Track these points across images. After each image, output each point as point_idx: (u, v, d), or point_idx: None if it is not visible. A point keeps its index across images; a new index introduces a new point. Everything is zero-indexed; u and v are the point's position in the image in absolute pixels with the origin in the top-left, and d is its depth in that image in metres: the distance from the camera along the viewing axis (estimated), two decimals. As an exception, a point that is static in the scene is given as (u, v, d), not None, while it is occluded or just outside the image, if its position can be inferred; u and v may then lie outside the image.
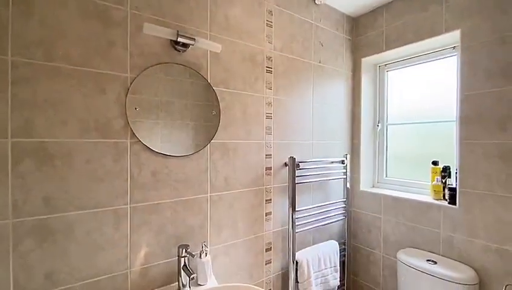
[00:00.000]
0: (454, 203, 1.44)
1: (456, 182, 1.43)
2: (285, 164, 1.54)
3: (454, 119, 1.44)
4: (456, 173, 1.43)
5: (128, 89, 1.01)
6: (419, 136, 1.78)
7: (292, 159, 1.47)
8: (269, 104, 1.45)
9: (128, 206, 1.03)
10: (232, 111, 1.31)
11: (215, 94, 1.23)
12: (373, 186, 1.98)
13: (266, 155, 1.46)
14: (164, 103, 1.09)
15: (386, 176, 1.96)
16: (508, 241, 1.26)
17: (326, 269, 1.57)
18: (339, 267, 1.65)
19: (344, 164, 1.77)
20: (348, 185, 1.81)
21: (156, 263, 1.10)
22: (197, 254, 1.15)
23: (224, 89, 1.27)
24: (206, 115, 1.20)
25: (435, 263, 1.41)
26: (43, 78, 0.87)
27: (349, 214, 1.83)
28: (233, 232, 1.33)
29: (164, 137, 1.09)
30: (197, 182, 1.20)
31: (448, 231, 1.45)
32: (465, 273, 1.31)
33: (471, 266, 1.36)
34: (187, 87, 1.15)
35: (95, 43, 0.95)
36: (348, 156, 1.79)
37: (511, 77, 1.25)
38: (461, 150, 1.40)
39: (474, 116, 1.35)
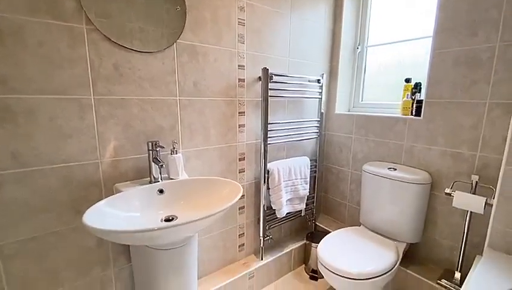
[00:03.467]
0: (419, 115, 1.50)
1: (425, 95, 1.47)
2: (259, 78, 1.53)
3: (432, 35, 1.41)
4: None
5: (78, -34, 0.92)
6: (399, 56, 1.77)
7: (265, 69, 1.45)
8: (241, 8, 1.38)
9: (92, 97, 1.02)
10: (199, 11, 1.23)
11: (180, -13, 1.14)
12: (348, 111, 2.02)
13: (239, 66, 1.43)
14: (121, -12, 1.01)
15: (362, 100, 1.99)
16: (462, 144, 1.35)
17: (296, 179, 1.67)
18: (309, 180, 1.76)
19: (320, 83, 1.77)
20: (323, 109, 1.84)
21: (126, 157, 1.13)
22: (168, 152, 1.19)
23: (190, -16, 1.18)
24: (170, 9, 1.14)
25: (395, 169, 1.52)
26: None
27: (322, 136, 1.90)
28: (205, 138, 1.37)
29: (124, 27, 1.04)
30: (164, 83, 1.19)
31: (410, 142, 1.54)
32: (419, 175, 1.43)
33: (427, 171, 1.48)
34: (146, -27, 1.05)
35: None
36: (325, 76, 1.79)
37: (490, -23, 1.20)
38: (433, 60, 1.41)
39: (449, 24, 1.33)
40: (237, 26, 1.38)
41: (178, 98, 1.24)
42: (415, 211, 1.44)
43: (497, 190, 1.11)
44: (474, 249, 1.34)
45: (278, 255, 1.70)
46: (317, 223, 1.99)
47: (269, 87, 1.48)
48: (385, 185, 1.51)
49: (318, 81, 1.77)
